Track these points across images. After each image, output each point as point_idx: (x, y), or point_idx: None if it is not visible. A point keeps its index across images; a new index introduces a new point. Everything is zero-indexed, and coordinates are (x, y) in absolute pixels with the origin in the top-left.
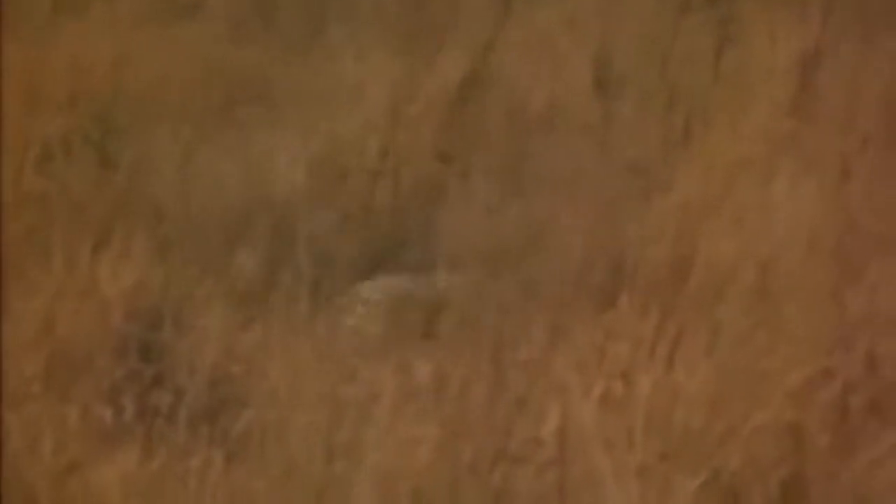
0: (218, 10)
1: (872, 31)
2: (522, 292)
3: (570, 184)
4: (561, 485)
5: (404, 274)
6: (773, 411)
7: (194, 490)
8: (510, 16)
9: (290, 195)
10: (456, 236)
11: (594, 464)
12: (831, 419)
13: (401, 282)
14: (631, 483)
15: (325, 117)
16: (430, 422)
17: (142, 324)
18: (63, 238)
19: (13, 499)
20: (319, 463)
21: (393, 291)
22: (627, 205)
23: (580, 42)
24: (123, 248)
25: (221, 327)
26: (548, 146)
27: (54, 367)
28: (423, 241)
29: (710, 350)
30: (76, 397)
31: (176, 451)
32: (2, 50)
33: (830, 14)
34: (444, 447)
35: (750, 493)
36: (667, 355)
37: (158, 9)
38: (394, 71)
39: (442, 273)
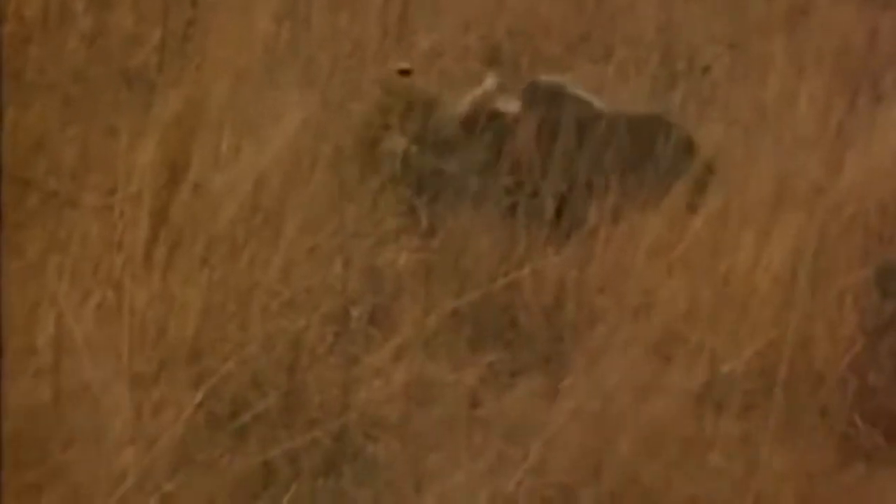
0: None
1: None
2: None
3: (68, 91)
4: (56, 395)
5: None
6: (270, 322)
7: None
8: None
9: None
10: None
11: (88, 374)
12: (331, 330)
13: None
14: (124, 393)
15: None
16: None
17: None
18: None
19: None
20: None
21: None
22: (125, 114)
23: None
24: None
25: None
26: (47, 53)
27: None
28: None
29: (205, 261)
30: None
31: None
32: None
33: None
34: None
35: (250, 404)
36: (162, 265)
37: None
38: None
39: None
